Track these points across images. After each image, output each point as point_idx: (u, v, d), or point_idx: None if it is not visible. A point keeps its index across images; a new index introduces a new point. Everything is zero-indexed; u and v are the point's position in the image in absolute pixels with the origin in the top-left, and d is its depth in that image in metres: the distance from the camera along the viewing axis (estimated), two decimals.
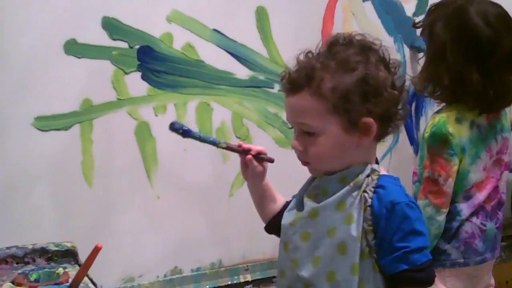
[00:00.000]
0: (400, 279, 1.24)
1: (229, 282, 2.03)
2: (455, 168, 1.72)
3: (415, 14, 2.30)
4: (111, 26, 1.79)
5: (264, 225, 1.49)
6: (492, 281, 1.89)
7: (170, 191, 1.92)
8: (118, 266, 1.88)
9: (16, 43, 1.67)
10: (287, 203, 1.43)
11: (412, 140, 2.40)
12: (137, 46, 1.83)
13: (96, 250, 1.22)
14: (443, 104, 1.82)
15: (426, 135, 1.75)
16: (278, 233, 1.40)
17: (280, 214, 1.42)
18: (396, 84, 1.28)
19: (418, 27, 1.87)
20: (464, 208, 1.77)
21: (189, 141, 1.39)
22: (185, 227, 1.96)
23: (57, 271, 1.44)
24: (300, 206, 1.33)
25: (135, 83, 1.84)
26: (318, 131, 1.25)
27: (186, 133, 1.38)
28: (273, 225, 1.45)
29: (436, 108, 1.88)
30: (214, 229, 2.00)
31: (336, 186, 1.27)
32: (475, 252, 1.78)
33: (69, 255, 1.56)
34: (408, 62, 2.34)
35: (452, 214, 1.76)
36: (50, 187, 1.76)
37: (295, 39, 2.09)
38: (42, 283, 1.38)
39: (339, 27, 2.18)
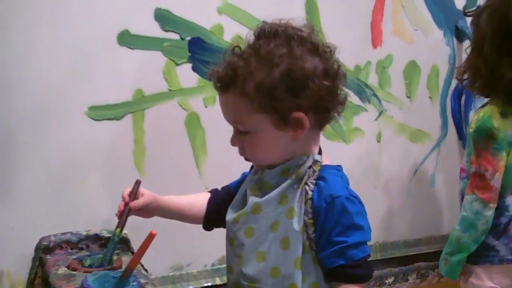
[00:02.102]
0: (337, 274, 1.21)
1: None
2: (502, 162, 1.70)
3: (466, 7, 2.28)
4: (164, 17, 1.81)
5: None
6: None
7: (218, 181, 1.90)
8: (167, 254, 1.91)
9: (71, 34, 1.71)
10: (214, 195, 1.43)
11: (461, 135, 2.38)
12: (188, 38, 1.85)
13: (150, 237, 1.23)
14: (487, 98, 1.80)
15: (471, 130, 1.72)
16: (219, 226, 1.39)
17: (210, 210, 1.41)
18: (331, 70, 1.22)
19: (469, 16, 1.85)
20: None
21: None
22: None
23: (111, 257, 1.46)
24: (244, 201, 1.30)
25: (186, 74, 1.86)
26: (250, 129, 1.22)
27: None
28: (209, 223, 1.43)
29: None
30: None
31: (278, 179, 1.25)
32: None
33: (122, 241, 1.58)
34: (459, 56, 2.33)
35: (500, 210, 1.73)
36: (103, 176, 1.80)
37: (345, 31, 2.09)
38: (96, 269, 1.40)
39: (389, 19, 2.17)
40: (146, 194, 1.39)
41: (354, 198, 1.22)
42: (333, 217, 1.19)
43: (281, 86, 1.18)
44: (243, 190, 1.32)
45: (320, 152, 1.28)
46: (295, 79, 1.18)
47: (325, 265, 1.22)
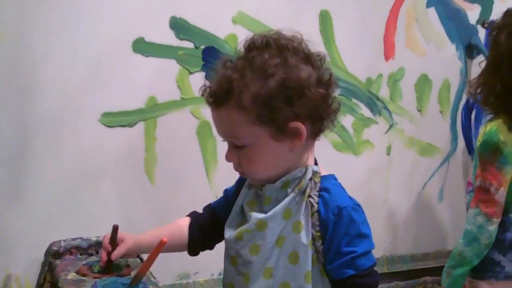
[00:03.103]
0: (347, 285, 1.20)
1: None
2: (508, 177, 1.69)
3: (479, 21, 2.28)
4: (179, 26, 1.82)
5: None
6: None
7: None
8: (174, 263, 1.90)
9: (87, 40, 1.72)
10: (194, 219, 1.39)
11: (471, 149, 2.38)
12: (203, 47, 1.86)
13: (161, 244, 1.22)
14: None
15: (478, 143, 1.73)
16: (204, 249, 1.38)
17: (192, 235, 1.38)
18: (324, 78, 1.20)
19: (486, 28, 1.84)
20: None
21: None
22: None
23: (120, 264, 1.46)
24: (241, 217, 1.27)
25: (199, 83, 1.83)
26: (247, 143, 1.19)
27: None
28: (194, 248, 1.40)
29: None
30: None
31: (279, 193, 1.22)
32: None
33: None
34: (469, 70, 2.33)
35: (506, 225, 1.73)
36: (114, 183, 1.81)
37: (357, 43, 2.10)
38: (105, 275, 1.40)
39: (402, 33, 2.18)
40: (126, 240, 1.35)
41: (358, 207, 1.22)
42: (341, 228, 1.18)
43: (278, 96, 1.16)
44: (238, 206, 1.29)
45: (316, 163, 1.27)
46: (291, 88, 1.16)
47: (335, 276, 1.21)
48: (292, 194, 1.21)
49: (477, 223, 1.69)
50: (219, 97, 1.19)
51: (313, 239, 1.20)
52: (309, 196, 1.21)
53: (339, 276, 1.20)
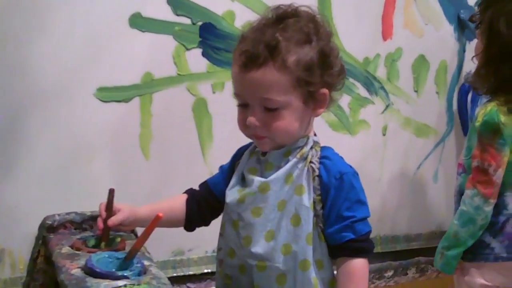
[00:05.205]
0: (346, 249, 1.24)
1: None
2: (506, 159, 1.70)
3: (478, 3, 2.27)
4: (176, 1, 1.81)
5: None
6: None
7: None
8: (168, 239, 1.90)
9: (83, 14, 1.71)
10: (192, 195, 1.41)
11: (466, 131, 2.38)
12: (200, 23, 1.85)
13: (156, 219, 1.22)
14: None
15: (478, 124, 1.72)
16: (200, 225, 1.41)
17: (190, 210, 1.40)
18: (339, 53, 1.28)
19: (475, 21, 1.82)
20: (511, 202, 1.75)
21: None
22: None
23: (114, 238, 1.46)
24: (242, 183, 1.30)
25: (196, 59, 1.86)
26: (281, 105, 1.21)
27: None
28: (191, 223, 1.42)
29: None
30: None
31: (281, 160, 1.26)
32: None
33: None
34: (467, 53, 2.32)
35: (499, 208, 1.74)
36: (108, 158, 1.80)
37: (355, 23, 2.09)
38: (100, 249, 1.40)
39: (400, 13, 2.16)
40: (123, 209, 1.37)
41: (357, 175, 1.27)
42: (342, 193, 1.23)
43: (318, 62, 1.21)
44: (239, 172, 1.32)
45: (315, 134, 1.31)
46: (327, 56, 1.23)
47: (334, 240, 1.25)
48: (294, 160, 1.26)
49: (474, 204, 1.70)
50: (261, 56, 1.19)
51: (314, 202, 1.24)
52: (311, 162, 1.25)
53: (338, 240, 1.24)
